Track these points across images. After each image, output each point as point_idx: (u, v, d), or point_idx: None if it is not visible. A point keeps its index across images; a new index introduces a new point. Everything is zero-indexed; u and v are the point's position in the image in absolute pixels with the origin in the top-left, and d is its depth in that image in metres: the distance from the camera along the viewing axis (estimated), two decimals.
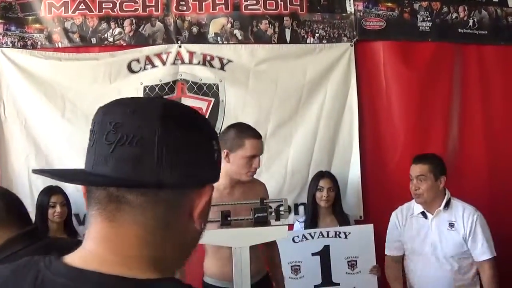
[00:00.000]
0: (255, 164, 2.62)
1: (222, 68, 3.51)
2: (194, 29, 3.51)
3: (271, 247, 2.92)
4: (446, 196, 3.08)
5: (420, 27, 3.73)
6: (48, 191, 3.17)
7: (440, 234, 3.05)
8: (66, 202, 3.21)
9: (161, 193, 0.74)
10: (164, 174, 0.73)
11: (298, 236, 3.26)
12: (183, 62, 3.49)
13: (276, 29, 3.58)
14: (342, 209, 3.45)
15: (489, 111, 3.82)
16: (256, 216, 3.30)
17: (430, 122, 3.73)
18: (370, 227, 3.35)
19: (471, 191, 3.68)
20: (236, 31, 3.55)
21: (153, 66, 3.46)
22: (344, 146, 3.60)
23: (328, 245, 3.26)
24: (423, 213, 3.11)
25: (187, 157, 0.76)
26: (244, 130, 2.61)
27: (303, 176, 3.51)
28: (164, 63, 3.47)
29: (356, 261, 3.31)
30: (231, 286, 2.64)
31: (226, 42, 3.54)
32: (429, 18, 3.73)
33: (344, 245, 3.28)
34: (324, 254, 3.27)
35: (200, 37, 3.53)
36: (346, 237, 3.33)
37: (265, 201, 3.24)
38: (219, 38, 3.54)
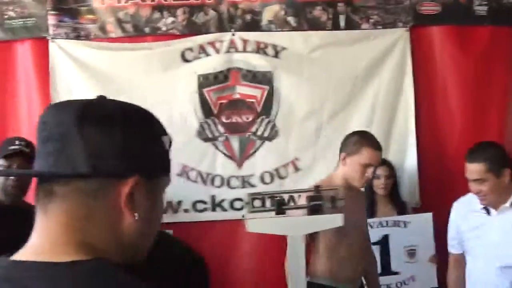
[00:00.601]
0: (369, 174, 2.75)
1: (276, 55, 3.46)
2: (247, 17, 3.47)
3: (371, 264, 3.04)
4: None
5: (476, 11, 3.61)
6: None
7: (504, 235, 2.63)
8: (391, 175, 3.40)
9: (80, 183, 0.80)
10: (80, 165, 0.79)
11: None
12: (236, 50, 3.44)
13: (330, 15, 3.51)
14: (400, 196, 3.40)
15: None
16: (311, 204, 3.27)
17: (487, 109, 3.63)
18: (429, 216, 3.29)
19: None
20: (290, 18, 3.49)
21: (207, 54, 3.43)
22: (400, 133, 3.52)
23: (388, 234, 3.24)
24: (485, 208, 2.71)
25: (103, 149, 0.80)
26: (365, 138, 2.77)
27: None
28: (217, 52, 3.43)
29: (415, 250, 3.27)
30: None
31: (279, 30, 3.48)
32: (485, 2, 3.61)
33: (404, 234, 3.24)
34: (384, 244, 3.24)
35: (254, 25, 3.47)
36: (405, 226, 3.29)
37: (319, 188, 3.22)
38: (272, 26, 3.49)
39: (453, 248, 2.91)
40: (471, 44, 3.63)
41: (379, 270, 3.16)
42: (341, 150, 2.81)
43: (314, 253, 2.86)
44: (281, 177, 3.42)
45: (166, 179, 0.91)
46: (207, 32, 3.46)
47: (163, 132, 0.90)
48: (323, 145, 3.43)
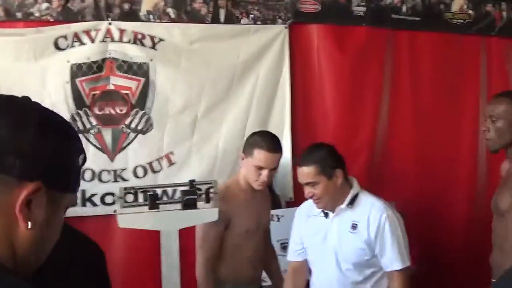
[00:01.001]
0: (263, 177, 2.74)
1: (153, 47, 3.41)
2: (126, 6, 3.39)
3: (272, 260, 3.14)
4: (352, 191, 2.67)
5: (355, 12, 3.72)
6: None
7: (340, 237, 2.64)
8: None
9: None
10: None
11: None
12: (112, 40, 3.36)
13: (210, 9, 3.50)
14: (274, 190, 3.46)
15: (418, 97, 3.88)
16: (185, 198, 3.29)
17: (361, 107, 3.77)
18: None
19: (399, 179, 3.80)
20: (169, 10, 3.45)
21: (81, 43, 3.32)
22: (275, 128, 3.53)
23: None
24: (324, 212, 2.70)
25: (8, 144, 0.77)
26: (259, 140, 2.76)
27: (235, 157, 3.46)
28: (93, 41, 3.33)
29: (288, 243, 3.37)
30: None
31: (158, 21, 3.44)
32: (363, 3, 3.73)
33: (277, 228, 3.31)
34: None
35: (132, 15, 3.40)
36: (278, 220, 3.37)
37: (194, 182, 3.23)
38: (151, 16, 3.43)
39: (292, 256, 2.87)
40: (348, 44, 3.75)
41: None
42: (243, 150, 2.85)
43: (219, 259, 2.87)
44: (154, 171, 3.39)
45: (70, 197, 0.87)
46: (82, 20, 3.35)
47: (80, 149, 0.87)
48: (199, 139, 3.44)
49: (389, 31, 3.82)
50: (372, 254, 2.62)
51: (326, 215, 2.69)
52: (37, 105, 0.85)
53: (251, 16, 3.57)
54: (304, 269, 2.84)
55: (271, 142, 2.77)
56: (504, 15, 4.06)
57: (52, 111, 0.87)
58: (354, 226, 2.63)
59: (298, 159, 2.74)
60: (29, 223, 0.79)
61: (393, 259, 2.59)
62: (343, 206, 2.65)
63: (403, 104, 3.88)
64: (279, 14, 3.60)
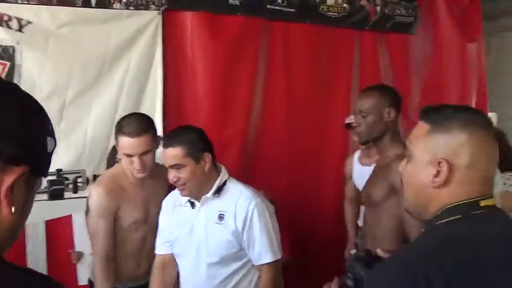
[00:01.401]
0: (135, 164, 2.86)
1: (20, 29, 3.77)
2: None
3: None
4: (219, 178, 2.78)
5: (230, 1, 4.27)
6: (115, 148, 3.50)
7: (207, 228, 2.75)
8: None
9: None
10: None
11: None
12: None
13: None
14: None
15: (292, 87, 4.52)
16: (52, 189, 3.72)
17: (234, 96, 4.32)
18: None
19: (271, 168, 4.42)
20: None
21: None
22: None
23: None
24: (190, 202, 2.82)
25: None
26: (121, 125, 2.88)
27: (104, 146, 3.90)
28: None
29: None
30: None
31: (26, 2, 3.79)
32: None
33: None
34: None
35: None
36: None
37: (61, 172, 3.68)
38: None
39: (159, 248, 2.97)
40: (222, 32, 4.28)
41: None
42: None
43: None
44: None
45: (40, 182, 0.93)
46: None
47: (52, 132, 0.93)
48: (66, 127, 3.81)
49: (264, 21, 4.41)
50: (240, 247, 2.72)
51: (193, 205, 2.79)
52: (16, 86, 0.92)
53: (124, 1, 4.01)
54: (173, 263, 2.93)
55: (131, 126, 2.81)
56: (378, 10, 4.80)
57: (27, 93, 0.95)
58: (220, 217, 2.71)
59: (164, 141, 2.79)
60: (13, 208, 0.85)
61: (262, 251, 2.70)
62: (209, 195, 2.74)
63: (277, 94, 4.50)
64: (153, 0, 4.09)
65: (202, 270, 2.79)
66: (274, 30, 4.48)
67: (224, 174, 2.82)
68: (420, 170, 1.51)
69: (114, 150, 3.80)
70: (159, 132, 3.99)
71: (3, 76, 3.76)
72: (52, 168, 3.11)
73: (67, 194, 3.77)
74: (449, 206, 1.46)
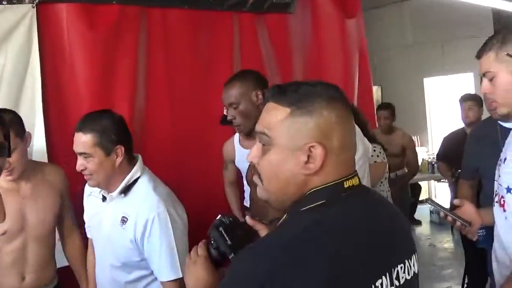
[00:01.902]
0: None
1: None
2: None
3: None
4: (129, 175, 2.93)
5: None
6: None
7: (112, 229, 2.93)
8: None
9: None
10: None
11: None
12: None
13: None
14: None
15: (173, 74, 5.26)
16: None
17: (116, 87, 4.99)
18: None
19: (157, 158, 4.99)
20: None
21: None
22: (26, 112, 4.55)
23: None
24: (103, 195, 3.01)
25: None
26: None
27: None
28: None
29: None
30: None
31: None
32: None
33: None
34: None
35: None
36: None
37: None
38: None
39: (87, 231, 3.37)
40: (99, 22, 4.92)
41: None
42: None
43: None
44: None
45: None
46: None
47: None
48: None
49: (141, 8, 5.11)
50: (142, 256, 2.88)
51: (104, 199, 2.98)
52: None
53: None
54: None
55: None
56: None
57: None
58: (123, 220, 2.86)
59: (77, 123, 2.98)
60: None
61: (161, 267, 2.84)
62: (114, 194, 2.92)
63: (159, 82, 5.20)
64: None
65: (107, 269, 3.00)
66: (152, 17, 5.18)
67: (136, 171, 2.96)
68: (287, 158, 1.57)
69: None
70: (42, 128, 4.65)
71: None
72: None
73: None
74: (312, 190, 1.58)
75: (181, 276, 2.77)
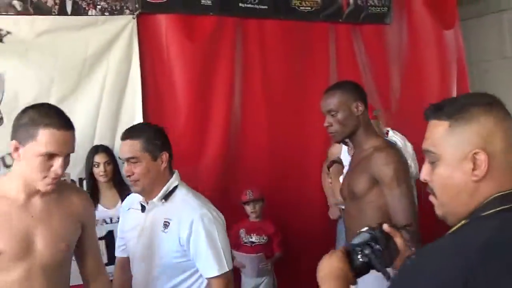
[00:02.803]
0: (56, 168, 2.32)
1: (0, 40, 4.52)
2: None
3: None
4: (168, 183, 3.01)
5: (202, 1, 5.02)
6: (92, 151, 4.46)
7: (153, 236, 2.97)
8: (111, 160, 4.45)
9: None
10: None
11: None
12: None
13: (57, 1, 4.64)
14: (123, 181, 4.31)
15: (269, 84, 5.28)
16: None
17: (213, 96, 5.06)
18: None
19: (254, 166, 5.15)
20: (15, 2, 4.53)
21: None
22: (127, 120, 4.71)
23: (112, 230, 4.26)
24: (142, 204, 3.07)
25: None
26: (42, 115, 2.31)
27: (87, 150, 4.59)
28: None
29: None
30: None
31: (4, 13, 4.51)
32: None
33: None
34: (110, 237, 4.30)
35: None
36: None
37: None
38: None
39: (117, 251, 3.33)
40: (197, 33, 5.02)
41: (106, 261, 3.82)
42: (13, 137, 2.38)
43: None
44: (6, 166, 4.41)
45: None
46: None
47: None
48: None
49: (238, 19, 5.17)
50: (186, 257, 2.94)
51: (143, 208, 3.04)
52: None
53: (98, 7, 4.76)
54: (129, 266, 3.21)
55: (59, 116, 2.41)
56: (351, 2, 5.60)
57: None
58: (165, 224, 2.93)
59: (122, 134, 3.07)
60: None
61: (208, 264, 2.90)
62: (155, 200, 3.00)
63: (255, 91, 5.24)
64: (127, 5, 4.81)
65: (147, 277, 3.02)
66: (248, 28, 5.24)
67: (174, 180, 3.05)
68: (455, 169, 1.61)
69: (91, 152, 4.50)
70: None
71: None
72: None
73: None
74: (496, 195, 1.58)
75: (227, 270, 2.91)
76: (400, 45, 5.97)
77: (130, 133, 2.99)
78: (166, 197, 2.99)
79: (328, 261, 1.96)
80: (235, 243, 4.98)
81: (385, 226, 2.02)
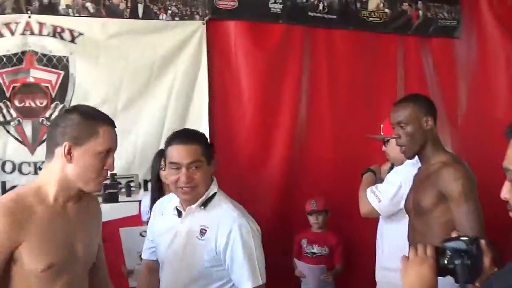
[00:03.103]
0: (110, 165, 2.34)
1: (72, 41, 4.56)
2: (45, 0, 4.57)
3: None
4: (209, 189, 2.94)
5: (272, 9, 5.02)
6: (159, 154, 4.23)
7: (187, 242, 2.90)
8: None
9: None
10: None
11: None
12: (32, 33, 4.48)
13: (129, 4, 4.68)
14: None
15: (336, 94, 5.21)
16: (107, 192, 4.45)
17: (279, 103, 5.03)
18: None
19: (319, 175, 5.10)
20: (88, 4, 4.61)
21: (1, 35, 4.42)
22: (194, 123, 4.72)
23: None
24: (178, 210, 2.98)
25: None
26: (96, 114, 2.34)
27: (154, 152, 4.54)
28: (12, 33, 4.45)
29: None
30: None
31: (77, 15, 4.59)
32: (280, 0, 5.03)
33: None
34: None
35: (51, 8, 4.54)
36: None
37: (115, 176, 4.37)
38: (70, 10, 4.58)
39: (145, 253, 3.26)
40: (265, 40, 5.02)
41: None
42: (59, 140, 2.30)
43: None
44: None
45: None
46: (2, 13, 4.45)
47: None
48: (118, 133, 4.42)
49: (306, 28, 5.15)
50: (220, 266, 2.87)
51: (180, 213, 2.95)
52: None
53: (169, 11, 4.79)
54: (158, 270, 3.13)
55: (105, 114, 2.46)
56: (420, 14, 5.51)
57: None
58: (202, 232, 2.86)
59: (172, 139, 2.96)
60: None
61: (243, 276, 2.82)
62: (194, 206, 2.91)
63: (322, 100, 5.19)
64: (197, 10, 4.84)
65: (180, 283, 2.93)
66: (316, 37, 5.21)
67: (214, 187, 2.96)
68: None
69: (158, 155, 4.38)
70: (207, 134, 4.64)
71: (57, 85, 4.55)
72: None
73: (121, 198, 4.47)
74: None
75: (261, 283, 2.83)
76: (469, 60, 5.83)
77: (190, 138, 2.92)
78: (205, 203, 2.91)
79: (419, 269, 1.91)
80: (297, 252, 4.94)
81: (483, 243, 1.97)
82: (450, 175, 2.97)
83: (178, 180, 2.83)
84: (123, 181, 4.54)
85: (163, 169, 4.31)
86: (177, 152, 2.85)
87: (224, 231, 2.81)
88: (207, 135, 4.62)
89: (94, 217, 2.55)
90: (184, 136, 2.95)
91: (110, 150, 2.33)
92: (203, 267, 2.85)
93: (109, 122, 2.36)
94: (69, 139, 2.24)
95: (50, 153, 2.30)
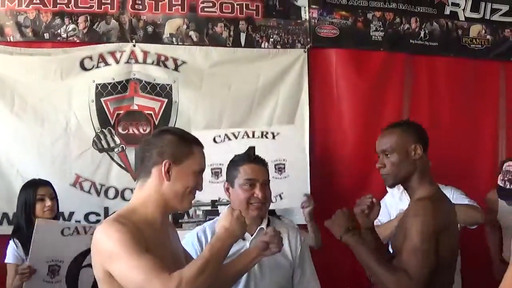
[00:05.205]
0: (200, 184, 2.25)
1: (176, 69, 4.35)
2: (149, 29, 4.35)
3: None
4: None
5: (373, 36, 4.70)
6: (34, 184, 3.54)
7: (261, 262, 2.66)
8: (54, 195, 3.56)
9: None
10: None
11: (220, 136, 4.00)
12: (136, 61, 4.30)
13: (231, 33, 4.46)
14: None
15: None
16: (208, 218, 4.07)
17: (380, 131, 4.72)
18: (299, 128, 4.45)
19: None
20: (192, 33, 4.42)
21: (106, 64, 4.25)
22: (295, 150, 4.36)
23: (254, 146, 3.60)
24: None
25: None
26: (189, 136, 2.28)
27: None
28: (117, 62, 4.27)
29: (284, 164, 4.00)
30: None
31: (181, 43, 4.38)
32: (381, 28, 4.71)
33: (271, 146, 3.97)
34: None
35: (155, 37, 4.35)
36: (274, 137, 4.07)
37: (216, 203, 4.08)
38: (174, 39, 4.38)
39: None
40: (366, 68, 4.70)
41: None
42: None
43: None
44: None
45: None
46: (107, 41, 4.29)
47: None
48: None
49: (407, 55, 4.80)
50: (291, 277, 2.87)
51: (243, 237, 2.76)
52: None
53: (271, 40, 4.54)
54: None
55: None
56: None
57: None
58: None
59: (246, 157, 2.91)
60: None
61: (311, 280, 2.88)
62: (263, 225, 2.84)
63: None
64: (298, 38, 4.57)
65: None
66: (417, 64, 4.85)
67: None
68: None
69: (29, 186, 3.62)
70: (308, 166, 4.34)
71: (160, 112, 4.32)
72: (207, 199, 3.56)
73: None
74: None
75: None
76: None
77: (262, 160, 2.93)
78: (269, 222, 2.89)
79: None
80: None
81: None
82: (414, 210, 2.50)
83: (251, 196, 2.77)
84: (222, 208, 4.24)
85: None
86: (253, 170, 2.80)
87: (295, 242, 2.87)
88: (307, 163, 4.36)
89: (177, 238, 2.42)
90: (254, 156, 2.94)
91: (202, 170, 2.23)
92: (280, 278, 2.82)
93: (201, 144, 2.26)
94: (168, 157, 2.15)
95: (146, 172, 2.18)
